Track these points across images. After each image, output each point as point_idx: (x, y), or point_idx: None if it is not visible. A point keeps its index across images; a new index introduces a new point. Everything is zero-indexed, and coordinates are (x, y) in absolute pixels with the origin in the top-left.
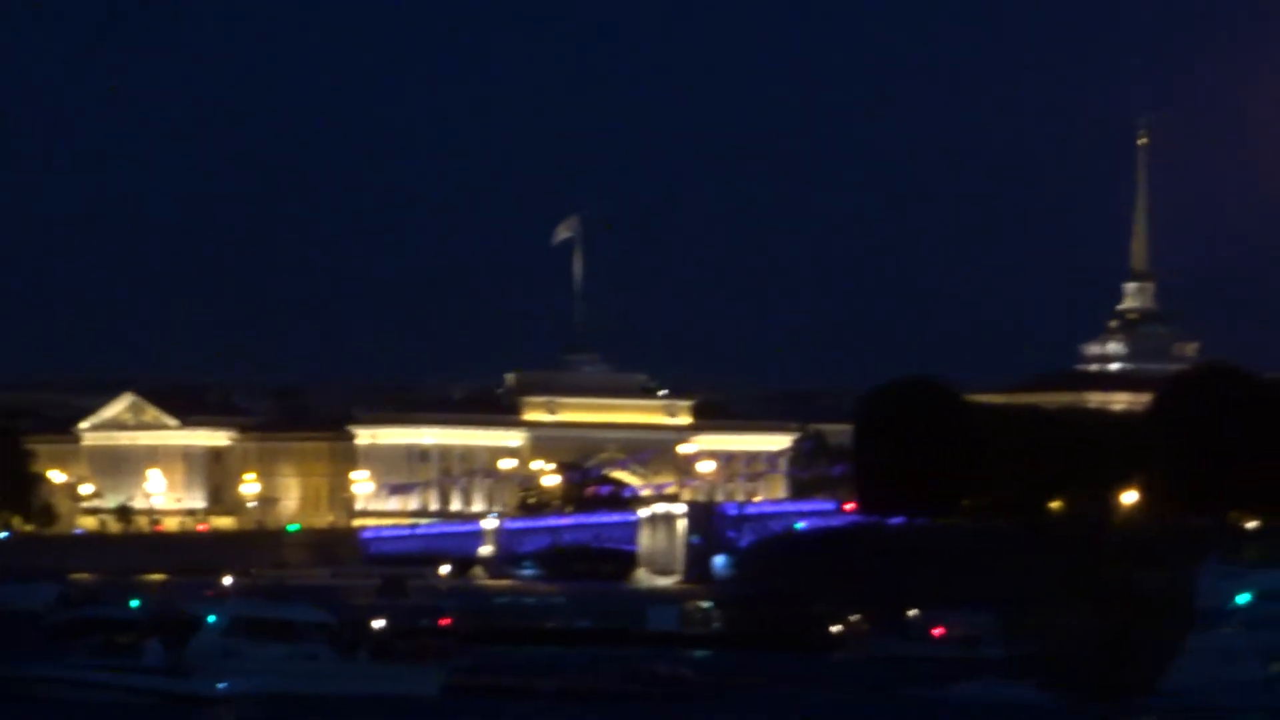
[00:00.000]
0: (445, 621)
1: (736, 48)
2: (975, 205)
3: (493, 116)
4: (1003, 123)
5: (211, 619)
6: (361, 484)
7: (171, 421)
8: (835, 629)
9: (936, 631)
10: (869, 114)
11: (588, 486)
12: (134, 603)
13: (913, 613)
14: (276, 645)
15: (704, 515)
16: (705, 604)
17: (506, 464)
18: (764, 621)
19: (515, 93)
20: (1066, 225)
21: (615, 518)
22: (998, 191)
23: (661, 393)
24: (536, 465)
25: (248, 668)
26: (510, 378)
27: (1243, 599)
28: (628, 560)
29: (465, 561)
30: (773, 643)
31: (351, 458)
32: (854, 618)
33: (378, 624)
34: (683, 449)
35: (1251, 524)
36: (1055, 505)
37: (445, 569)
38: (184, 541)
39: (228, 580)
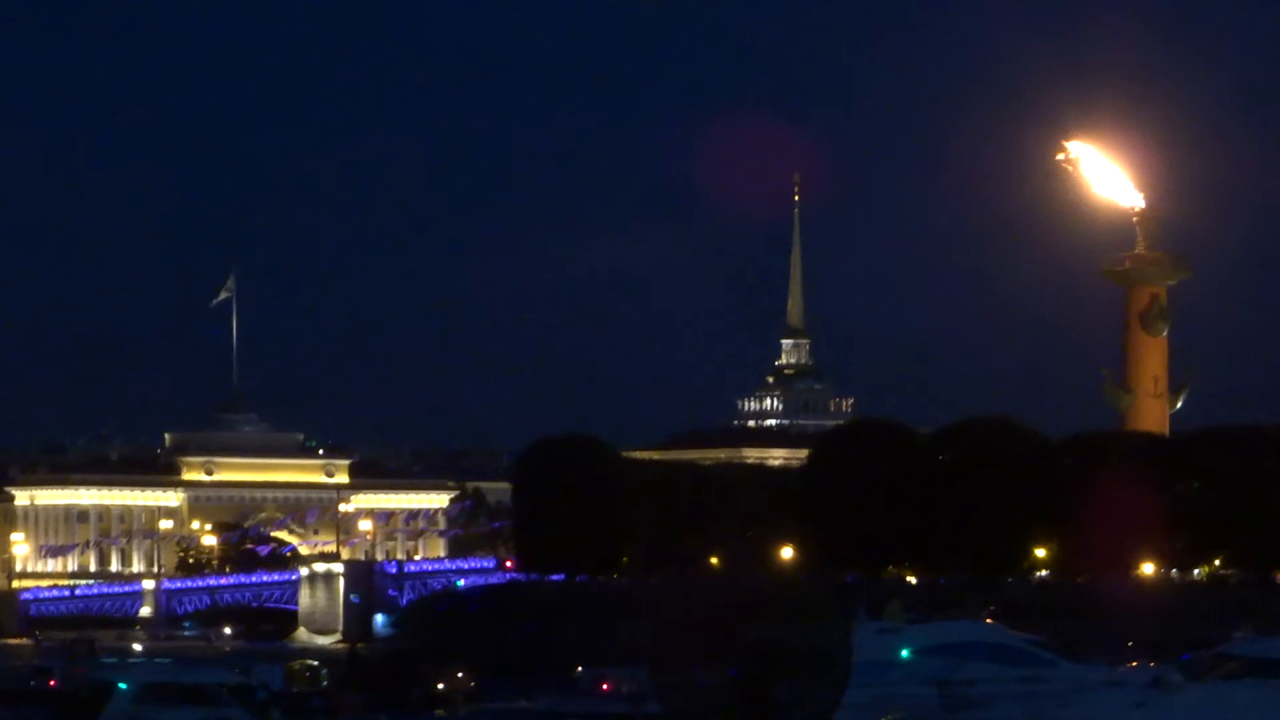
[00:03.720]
0: (53, 683)
1: (391, 106)
2: (629, 260)
3: (143, 173)
4: (661, 171)
5: (122, 686)
6: (19, 545)
7: None
8: (440, 686)
9: (605, 686)
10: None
11: (247, 546)
12: None
13: (580, 668)
14: (189, 710)
15: (364, 574)
16: (312, 662)
17: (165, 524)
18: (369, 680)
19: (167, 150)
20: (726, 280)
21: (275, 577)
22: (653, 245)
23: (319, 451)
24: (195, 525)
25: None
26: (168, 437)
27: (904, 654)
28: (289, 619)
29: (125, 622)
30: (374, 701)
31: (10, 519)
32: (459, 674)
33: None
34: (342, 507)
35: (910, 579)
36: (713, 560)
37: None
38: None
39: (137, 646)
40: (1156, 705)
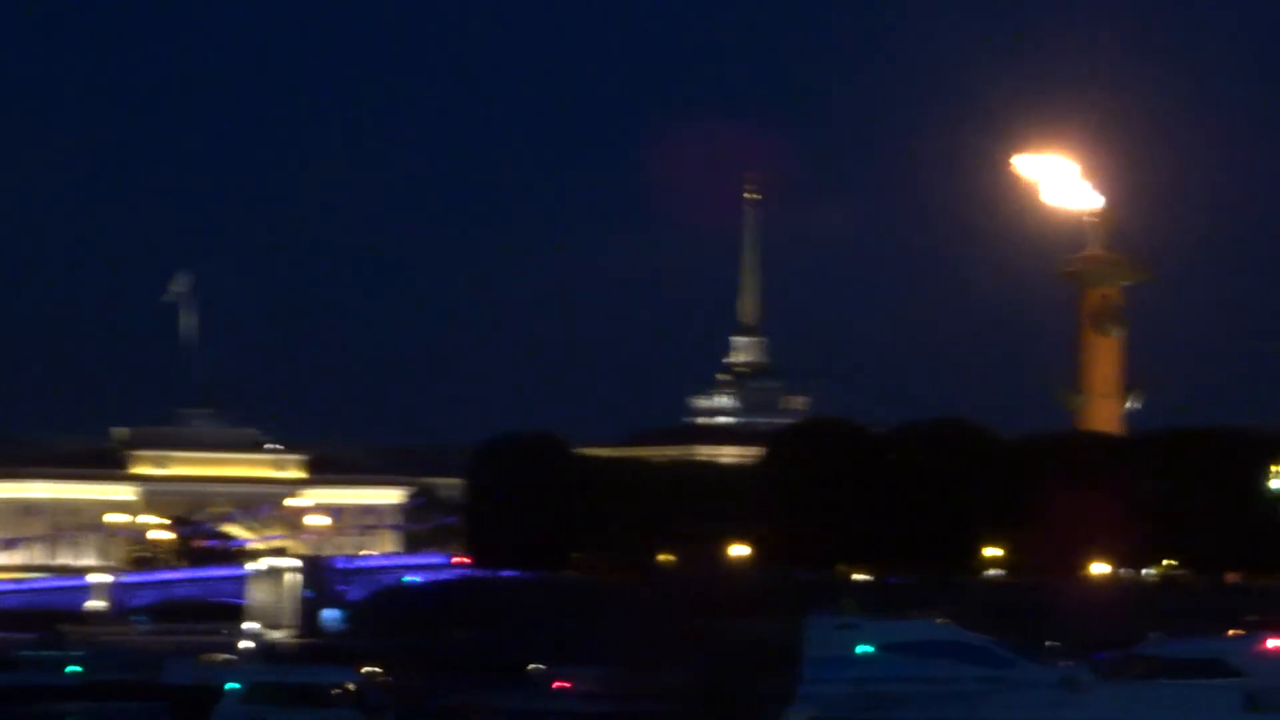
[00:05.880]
0: None
1: (353, 107)
2: (586, 260)
3: (99, 169)
4: (615, 173)
5: (232, 686)
6: None
7: None
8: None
9: (559, 685)
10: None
11: (198, 540)
12: (72, 668)
13: (534, 666)
14: (302, 711)
15: (314, 569)
16: (230, 657)
17: (117, 519)
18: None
19: (124, 145)
20: (679, 278)
21: (225, 571)
22: (609, 245)
23: (271, 447)
24: (147, 520)
25: None
26: (120, 432)
27: (863, 650)
28: (238, 614)
29: (76, 616)
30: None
31: None
32: (376, 671)
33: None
34: (293, 502)
35: (860, 577)
36: (666, 558)
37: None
38: None
39: (244, 644)
40: (1067, 704)
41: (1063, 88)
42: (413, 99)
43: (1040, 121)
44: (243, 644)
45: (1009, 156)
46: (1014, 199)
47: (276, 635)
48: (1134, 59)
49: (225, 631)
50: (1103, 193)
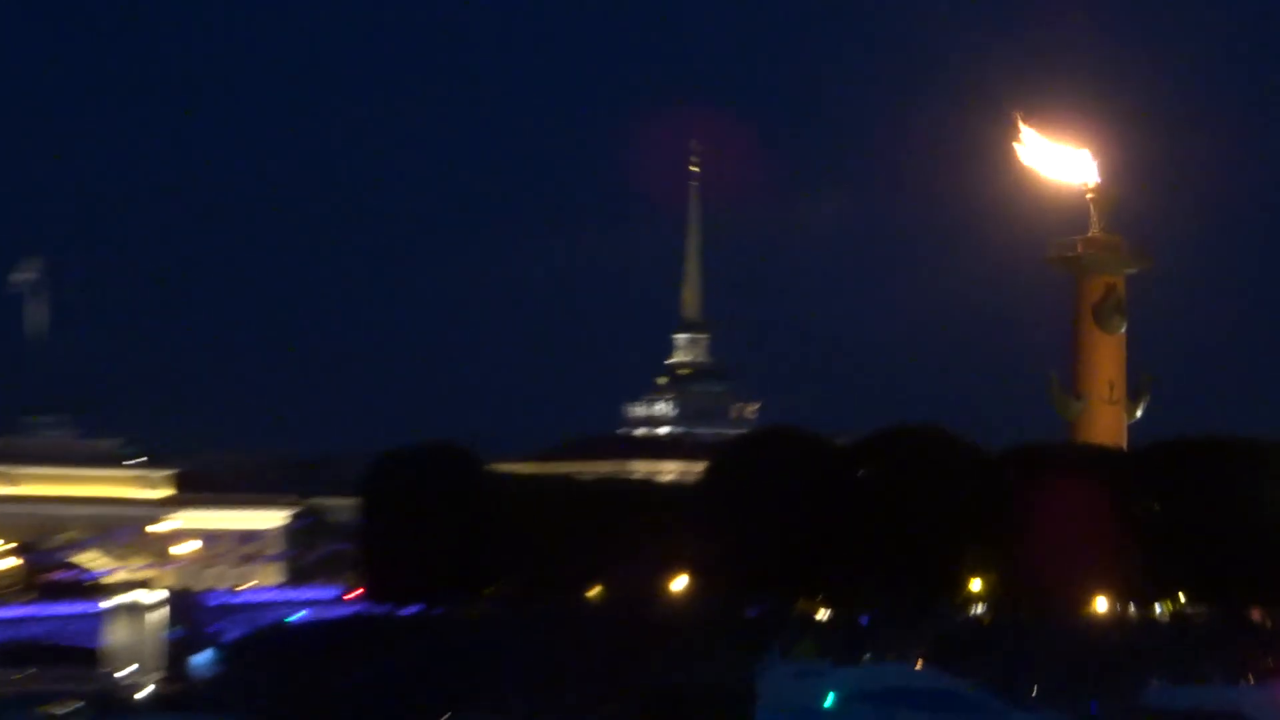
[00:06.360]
0: None
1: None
2: (510, 247)
3: None
4: (552, 160)
5: None
6: None
7: None
8: None
9: None
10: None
11: (47, 571)
12: None
13: (445, 717)
14: None
15: (183, 605)
16: (64, 709)
17: None
18: None
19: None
20: (615, 272)
21: (79, 608)
22: (542, 242)
23: (136, 461)
24: None
25: None
26: None
27: (828, 701)
28: (93, 658)
29: None
30: None
31: None
32: None
33: None
34: (161, 527)
35: (823, 613)
36: (594, 591)
37: None
38: None
39: (142, 693)
40: None
41: (1053, 69)
42: (305, 91)
43: (1028, 100)
44: (140, 695)
45: (995, 139)
46: (997, 178)
47: (147, 683)
48: (1130, 41)
49: (79, 677)
50: (1100, 173)
